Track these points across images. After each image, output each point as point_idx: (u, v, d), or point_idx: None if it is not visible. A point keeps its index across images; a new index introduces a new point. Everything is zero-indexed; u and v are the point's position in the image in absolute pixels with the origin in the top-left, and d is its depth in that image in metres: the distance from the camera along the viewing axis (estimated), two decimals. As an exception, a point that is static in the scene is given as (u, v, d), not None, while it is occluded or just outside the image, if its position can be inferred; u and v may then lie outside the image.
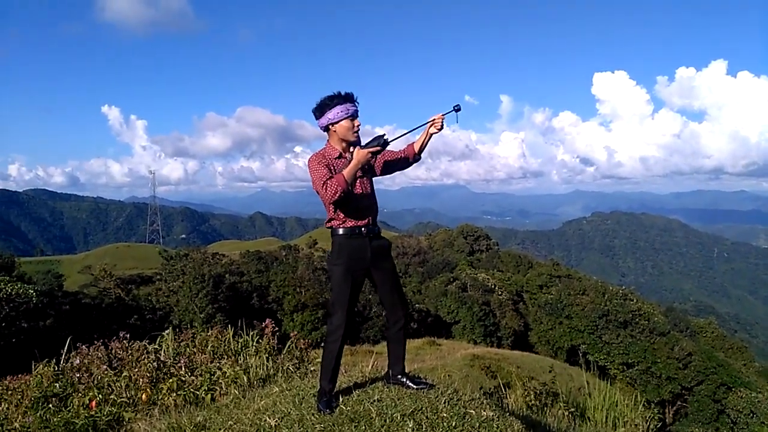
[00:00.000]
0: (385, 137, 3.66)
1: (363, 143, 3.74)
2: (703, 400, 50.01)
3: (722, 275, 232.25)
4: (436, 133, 3.85)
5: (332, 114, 3.71)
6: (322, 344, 3.87)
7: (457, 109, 3.66)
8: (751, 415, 40.49)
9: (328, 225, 3.82)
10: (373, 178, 4.05)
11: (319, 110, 3.77)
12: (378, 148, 3.65)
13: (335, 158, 3.74)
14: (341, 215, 3.75)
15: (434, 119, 3.78)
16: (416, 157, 4.02)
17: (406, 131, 3.75)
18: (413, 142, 4.00)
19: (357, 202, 3.77)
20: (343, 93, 3.71)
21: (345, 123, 3.72)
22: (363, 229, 3.78)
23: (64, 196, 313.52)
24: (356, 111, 3.73)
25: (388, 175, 4.14)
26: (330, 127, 3.77)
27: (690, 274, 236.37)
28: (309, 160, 3.71)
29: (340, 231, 3.76)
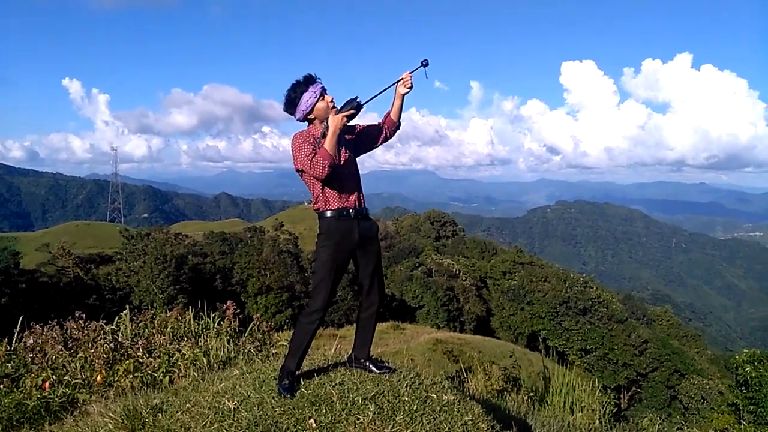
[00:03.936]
0: (357, 99, 3.57)
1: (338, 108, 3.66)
2: (657, 386, 51.72)
3: (679, 265, 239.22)
4: (407, 92, 3.79)
5: (303, 105, 3.64)
6: (296, 324, 3.79)
7: (424, 64, 3.60)
8: (702, 401, 42.01)
9: (315, 207, 3.75)
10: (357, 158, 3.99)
11: (291, 106, 3.70)
12: (352, 111, 3.56)
13: (321, 137, 3.66)
14: (326, 196, 3.69)
15: (402, 78, 3.72)
16: (396, 124, 3.96)
17: (377, 92, 3.66)
18: (388, 111, 3.93)
19: (342, 182, 3.72)
20: (302, 79, 3.63)
21: (319, 105, 3.65)
22: (351, 210, 3.73)
23: (22, 171, 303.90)
24: (323, 88, 3.66)
25: (371, 150, 4.07)
26: (308, 116, 3.71)
27: (649, 264, 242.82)
28: (293, 138, 3.63)
29: (328, 213, 3.69)
